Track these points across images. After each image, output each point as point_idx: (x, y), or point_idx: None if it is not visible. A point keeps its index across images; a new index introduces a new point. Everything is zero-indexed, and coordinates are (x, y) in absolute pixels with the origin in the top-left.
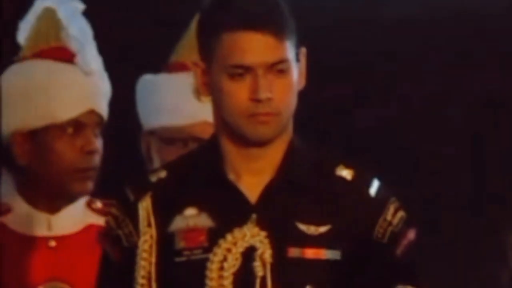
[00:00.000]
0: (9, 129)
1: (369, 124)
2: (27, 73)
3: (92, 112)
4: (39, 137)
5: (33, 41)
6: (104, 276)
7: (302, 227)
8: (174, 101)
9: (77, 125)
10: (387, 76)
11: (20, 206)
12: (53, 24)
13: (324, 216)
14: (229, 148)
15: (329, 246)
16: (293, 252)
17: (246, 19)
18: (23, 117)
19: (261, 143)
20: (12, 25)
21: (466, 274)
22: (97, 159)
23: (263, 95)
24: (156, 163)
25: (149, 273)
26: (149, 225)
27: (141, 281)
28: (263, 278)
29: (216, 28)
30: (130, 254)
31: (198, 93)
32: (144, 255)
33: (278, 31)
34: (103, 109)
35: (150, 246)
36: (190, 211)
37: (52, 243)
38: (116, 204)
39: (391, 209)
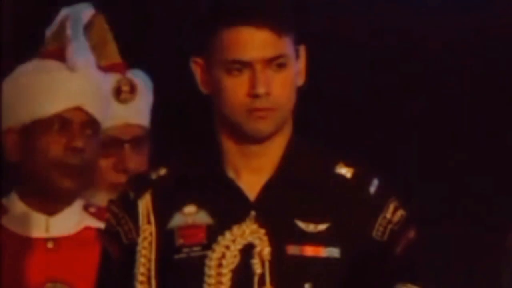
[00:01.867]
0: (3, 127)
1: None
2: (19, 72)
3: (78, 109)
4: (28, 133)
5: (52, 43)
6: (103, 273)
7: (301, 224)
8: None
9: (63, 121)
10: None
11: (18, 207)
12: (57, 32)
13: (323, 214)
14: (228, 146)
15: (328, 244)
16: (292, 249)
17: (244, 14)
18: (14, 114)
19: (260, 139)
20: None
21: (467, 274)
22: (83, 157)
23: (261, 90)
24: None
25: (149, 270)
26: (148, 222)
27: (140, 278)
28: (262, 276)
29: (215, 24)
30: (129, 251)
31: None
32: (144, 252)
33: (276, 26)
34: (94, 107)
35: (150, 243)
36: (189, 209)
37: (50, 245)
38: (116, 201)
39: (391, 207)
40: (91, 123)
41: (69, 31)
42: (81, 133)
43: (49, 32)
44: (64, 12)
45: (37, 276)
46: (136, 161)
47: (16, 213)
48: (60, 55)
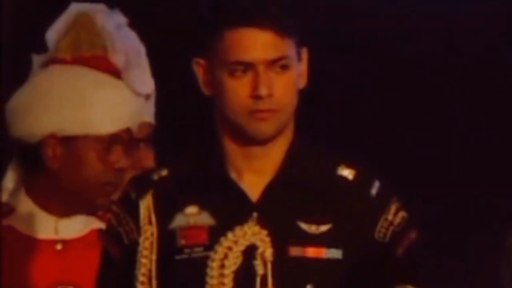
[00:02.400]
0: (44, 130)
1: None
2: (71, 79)
3: (128, 130)
4: (73, 144)
5: (73, 45)
6: (104, 273)
7: (303, 226)
8: None
9: (113, 140)
10: None
11: (27, 207)
12: (93, 32)
13: (325, 215)
14: (230, 147)
15: (330, 245)
16: (294, 251)
17: (247, 15)
18: (61, 121)
19: (262, 141)
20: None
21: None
22: (124, 176)
23: (263, 91)
24: None
25: (150, 270)
26: (150, 222)
27: (141, 278)
28: (264, 277)
29: (217, 24)
30: (130, 252)
31: None
32: (145, 252)
33: (279, 28)
34: (135, 127)
35: (151, 244)
36: (191, 209)
37: (59, 246)
38: (117, 201)
39: (393, 209)
40: (133, 142)
41: (118, 45)
42: (126, 153)
43: (57, 29)
44: (74, 8)
45: (46, 278)
46: (151, 159)
47: (25, 213)
48: (103, 65)
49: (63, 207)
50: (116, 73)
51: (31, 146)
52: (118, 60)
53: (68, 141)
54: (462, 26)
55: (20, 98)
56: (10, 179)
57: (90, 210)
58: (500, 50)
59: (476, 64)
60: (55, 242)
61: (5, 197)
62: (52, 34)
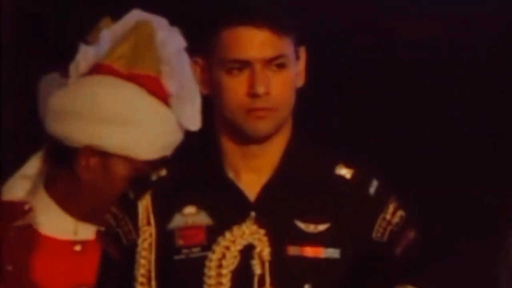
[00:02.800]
0: (86, 140)
1: None
2: (126, 97)
3: (163, 157)
4: (108, 159)
5: (129, 56)
6: (103, 274)
7: (301, 225)
8: None
9: (146, 163)
10: None
11: (47, 207)
12: (152, 48)
13: (323, 215)
14: (228, 146)
15: (328, 245)
16: (292, 250)
17: (245, 14)
18: (104, 137)
19: (260, 139)
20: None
21: (467, 274)
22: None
23: (261, 89)
24: None
25: (149, 271)
26: (148, 223)
27: (140, 279)
28: (262, 276)
29: (215, 23)
30: (129, 252)
31: None
32: (144, 253)
33: (277, 27)
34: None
35: (150, 244)
36: (189, 209)
37: (78, 248)
38: (116, 202)
39: (391, 208)
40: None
41: (170, 68)
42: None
43: (115, 31)
44: (136, 14)
45: (65, 279)
46: None
47: (45, 213)
48: (155, 87)
49: (82, 209)
50: (166, 99)
51: (65, 147)
52: (171, 86)
53: (104, 155)
54: (462, 26)
55: (67, 101)
56: (32, 166)
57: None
58: (500, 50)
59: (476, 64)
60: (74, 243)
61: (23, 183)
62: (108, 35)
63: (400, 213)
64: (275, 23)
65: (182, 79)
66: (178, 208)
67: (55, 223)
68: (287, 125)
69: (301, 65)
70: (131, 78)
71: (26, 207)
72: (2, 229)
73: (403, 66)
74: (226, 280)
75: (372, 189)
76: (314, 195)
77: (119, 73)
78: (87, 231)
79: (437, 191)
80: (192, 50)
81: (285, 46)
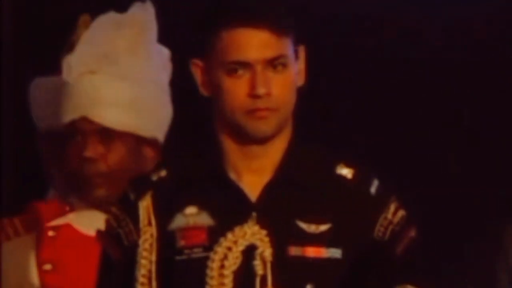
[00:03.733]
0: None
1: None
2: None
3: (84, 119)
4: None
5: None
6: (104, 275)
7: (303, 225)
8: None
9: (74, 131)
10: None
11: (81, 206)
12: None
13: (324, 215)
14: (229, 147)
15: (330, 245)
16: (294, 250)
17: (244, 15)
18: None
19: (261, 140)
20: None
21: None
22: (100, 166)
23: (261, 90)
24: None
25: (150, 271)
26: (149, 223)
27: (141, 279)
28: (264, 277)
29: (214, 25)
30: (130, 253)
31: None
32: (145, 253)
33: (276, 27)
34: (101, 116)
35: (151, 245)
36: (191, 210)
37: None
38: (117, 202)
39: (392, 207)
40: (102, 131)
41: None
42: (93, 142)
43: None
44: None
45: None
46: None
47: (82, 211)
48: None
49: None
50: None
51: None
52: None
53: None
54: (462, 26)
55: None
56: None
57: (101, 203)
58: (500, 50)
59: (476, 64)
60: None
61: None
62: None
63: (401, 212)
64: (275, 24)
65: (138, 82)
66: (179, 208)
67: (93, 221)
68: (288, 125)
69: (301, 64)
70: None
71: (67, 207)
72: (42, 229)
73: (403, 66)
74: (228, 281)
75: (373, 189)
76: (315, 195)
77: None
78: None
79: (437, 191)
80: (192, 52)
81: (285, 46)
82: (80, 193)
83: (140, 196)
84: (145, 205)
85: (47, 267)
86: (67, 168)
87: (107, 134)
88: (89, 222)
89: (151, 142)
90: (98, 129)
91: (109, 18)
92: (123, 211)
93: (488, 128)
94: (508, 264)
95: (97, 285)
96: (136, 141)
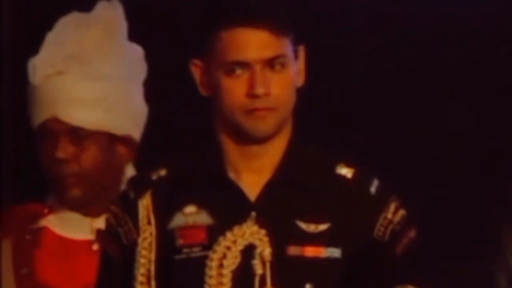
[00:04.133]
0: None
1: None
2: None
3: (55, 120)
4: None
5: None
6: (103, 273)
7: (302, 225)
8: None
9: (46, 132)
10: None
11: (59, 208)
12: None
13: (324, 214)
14: (229, 147)
15: (329, 244)
16: (293, 250)
17: (243, 15)
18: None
19: (260, 139)
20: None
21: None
22: (73, 166)
23: (260, 90)
24: None
25: (149, 270)
26: (149, 222)
27: (140, 278)
28: (263, 276)
29: (213, 25)
30: (129, 252)
31: None
32: (144, 252)
33: (275, 27)
34: (71, 116)
35: (150, 244)
36: (190, 209)
37: (95, 247)
38: (116, 201)
39: (392, 207)
40: (73, 131)
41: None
42: (65, 142)
43: None
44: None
45: (83, 278)
46: None
47: (61, 215)
48: None
49: (88, 206)
50: None
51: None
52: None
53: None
54: (462, 26)
55: None
56: None
57: (77, 205)
58: (500, 50)
59: (476, 64)
60: (91, 242)
61: None
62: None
63: (401, 212)
64: (274, 24)
65: (108, 80)
66: (179, 207)
67: (71, 224)
68: (288, 125)
69: (301, 64)
70: None
71: (46, 210)
72: (19, 232)
73: (403, 66)
74: (227, 280)
75: (373, 188)
76: (314, 195)
77: None
78: None
79: (437, 191)
80: (191, 52)
81: (284, 46)
82: (56, 194)
83: (139, 195)
84: (144, 204)
85: (24, 271)
86: (42, 169)
87: (78, 134)
88: (67, 224)
89: (124, 140)
90: (69, 129)
91: (73, 18)
92: (122, 209)
93: (488, 128)
94: (507, 264)
95: (96, 283)
96: (109, 139)
